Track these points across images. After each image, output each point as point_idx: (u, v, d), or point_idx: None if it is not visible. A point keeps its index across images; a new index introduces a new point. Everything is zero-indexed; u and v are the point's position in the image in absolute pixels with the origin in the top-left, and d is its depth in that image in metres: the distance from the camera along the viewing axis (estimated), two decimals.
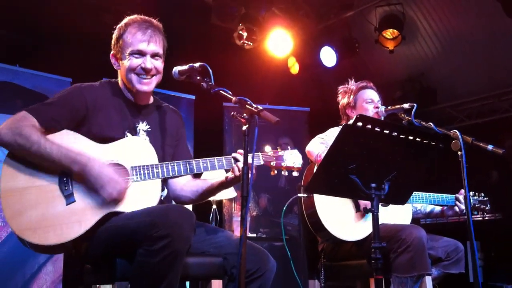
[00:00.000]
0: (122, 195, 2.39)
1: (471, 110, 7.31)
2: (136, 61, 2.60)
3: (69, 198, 2.36)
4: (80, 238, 2.35)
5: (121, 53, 2.63)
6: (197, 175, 2.83)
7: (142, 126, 2.69)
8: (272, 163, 2.66)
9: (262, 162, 2.65)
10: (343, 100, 3.75)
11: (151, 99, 2.81)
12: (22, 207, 2.29)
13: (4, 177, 2.34)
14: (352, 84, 3.76)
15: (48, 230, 2.29)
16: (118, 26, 2.68)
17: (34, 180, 2.35)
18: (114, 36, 2.69)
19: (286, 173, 2.68)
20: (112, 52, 2.70)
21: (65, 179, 2.39)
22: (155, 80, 2.66)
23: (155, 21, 2.71)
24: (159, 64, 2.66)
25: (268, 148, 2.69)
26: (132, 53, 2.60)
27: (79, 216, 2.34)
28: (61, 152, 2.35)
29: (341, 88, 3.82)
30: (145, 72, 2.61)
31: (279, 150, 2.69)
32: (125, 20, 2.68)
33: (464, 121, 7.34)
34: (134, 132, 2.65)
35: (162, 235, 2.12)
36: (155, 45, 2.63)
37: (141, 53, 2.60)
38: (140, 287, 2.18)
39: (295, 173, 2.69)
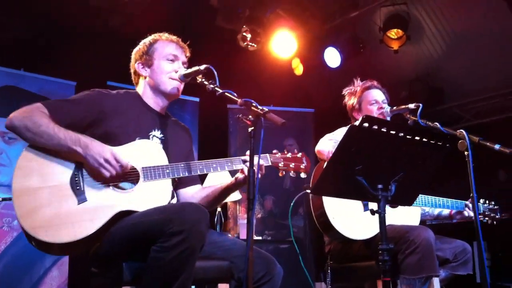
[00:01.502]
0: (120, 175, 2.44)
1: (478, 109, 7.27)
2: (170, 65, 2.79)
3: (80, 198, 2.39)
4: (92, 237, 2.36)
5: (152, 60, 2.81)
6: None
7: (157, 134, 2.76)
8: (280, 164, 2.71)
9: (270, 163, 2.70)
10: (349, 102, 3.74)
11: (165, 113, 2.92)
12: (35, 206, 2.32)
13: (17, 178, 2.37)
14: (358, 85, 3.74)
15: (60, 228, 2.31)
16: (146, 40, 2.88)
17: (47, 180, 2.39)
18: (143, 47, 2.86)
19: (294, 175, 2.73)
20: (138, 62, 2.84)
21: (76, 179, 2.42)
22: (182, 86, 2.82)
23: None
24: None
25: (275, 151, 2.75)
26: (166, 58, 2.79)
27: (91, 215, 2.37)
28: (67, 133, 2.41)
29: (346, 90, 3.80)
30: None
31: (286, 152, 2.76)
32: (154, 36, 2.89)
33: (471, 121, 7.30)
34: (147, 138, 2.70)
35: (177, 231, 2.13)
36: (185, 56, 2.87)
37: (175, 58, 2.80)
38: (153, 286, 2.17)
39: (302, 175, 2.75)
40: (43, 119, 2.41)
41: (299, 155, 2.78)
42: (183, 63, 2.83)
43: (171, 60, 2.79)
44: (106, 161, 2.40)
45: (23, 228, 2.30)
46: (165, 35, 2.89)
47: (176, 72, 2.77)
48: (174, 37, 2.89)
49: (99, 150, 2.41)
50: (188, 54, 2.89)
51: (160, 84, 2.78)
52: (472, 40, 6.48)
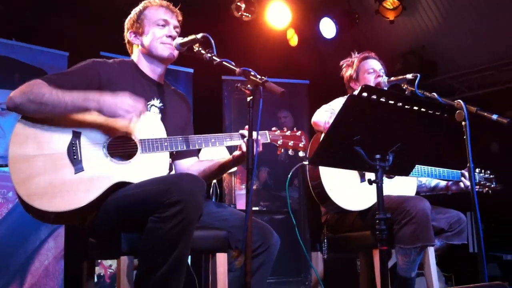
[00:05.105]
0: (141, 110, 2.44)
1: (472, 82, 7.26)
2: (161, 31, 2.73)
3: (77, 167, 2.37)
4: (88, 208, 2.35)
5: (143, 28, 2.75)
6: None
7: (155, 103, 2.73)
8: (279, 142, 2.69)
9: (268, 140, 2.69)
10: (346, 73, 3.72)
11: (163, 82, 2.87)
12: (31, 174, 2.30)
13: (14, 145, 2.34)
14: (355, 57, 3.73)
15: (55, 196, 2.29)
16: (137, 8, 2.82)
17: (43, 148, 2.36)
18: (133, 15, 2.80)
19: (292, 153, 2.73)
20: (130, 31, 2.80)
21: (74, 148, 2.39)
22: (176, 51, 2.73)
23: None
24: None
25: (275, 129, 2.74)
26: (157, 24, 2.73)
27: (87, 185, 2.35)
28: (72, 94, 2.37)
29: (343, 62, 3.78)
30: (170, 38, 2.71)
31: (285, 129, 2.74)
32: (144, 3, 2.82)
33: (465, 93, 7.30)
34: (146, 107, 2.64)
35: (174, 201, 2.12)
36: (176, 20, 2.80)
37: (166, 23, 2.74)
38: (151, 256, 2.16)
39: (301, 153, 2.74)
40: (44, 88, 2.35)
41: (298, 133, 2.76)
42: (175, 27, 2.77)
43: (162, 26, 2.74)
44: (124, 101, 2.40)
45: (18, 195, 2.30)
46: (155, 1, 2.82)
47: (168, 36, 2.71)
48: (164, 2, 2.84)
49: (112, 97, 2.41)
50: (180, 18, 2.83)
51: (153, 50, 2.73)
52: (467, 12, 6.43)
